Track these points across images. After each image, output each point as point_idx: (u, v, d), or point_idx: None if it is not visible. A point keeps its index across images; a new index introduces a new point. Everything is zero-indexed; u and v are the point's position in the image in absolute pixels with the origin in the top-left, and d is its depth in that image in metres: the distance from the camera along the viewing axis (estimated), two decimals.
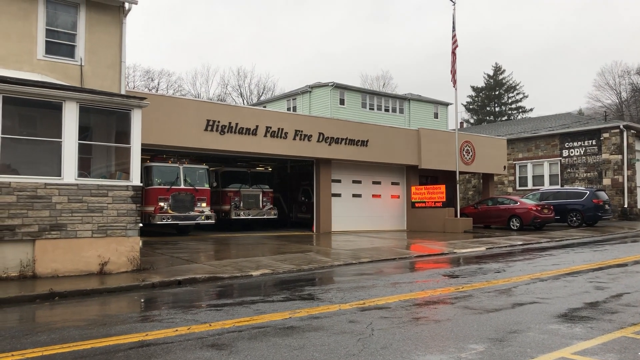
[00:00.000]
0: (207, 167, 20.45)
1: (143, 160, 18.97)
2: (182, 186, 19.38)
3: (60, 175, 10.64)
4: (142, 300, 9.01)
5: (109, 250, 11.10)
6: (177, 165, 19.51)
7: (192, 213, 19.36)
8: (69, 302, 8.71)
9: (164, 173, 19.25)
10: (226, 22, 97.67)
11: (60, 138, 10.66)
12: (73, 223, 10.71)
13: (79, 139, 10.90)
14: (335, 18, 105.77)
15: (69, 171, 10.69)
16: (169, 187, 19.03)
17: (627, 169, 30.74)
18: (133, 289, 9.72)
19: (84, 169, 11.72)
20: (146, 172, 18.78)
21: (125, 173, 11.66)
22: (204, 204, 19.81)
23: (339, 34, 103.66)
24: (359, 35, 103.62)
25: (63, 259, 10.60)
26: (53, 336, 6.39)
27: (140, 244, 11.15)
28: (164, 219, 18.56)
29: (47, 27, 13.34)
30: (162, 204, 18.76)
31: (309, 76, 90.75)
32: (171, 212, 18.82)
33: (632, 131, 31.75)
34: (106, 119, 12.92)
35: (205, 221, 19.66)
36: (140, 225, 18.47)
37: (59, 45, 13.57)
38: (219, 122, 18.93)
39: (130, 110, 11.52)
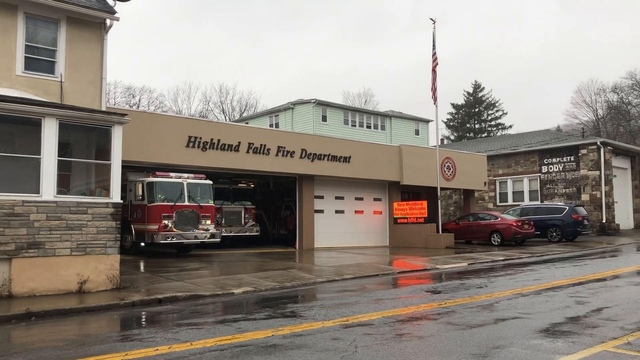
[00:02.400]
0: (211, 182, 19.32)
1: (145, 176, 18.26)
2: (186, 202, 18.29)
3: (38, 193, 10.47)
4: (122, 319, 8.85)
5: (88, 268, 10.91)
6: (180, 180, 18.44)
7: (196, 231, 18.32)
8: (47, 321, 8.53)
9: (167, 189, 18.14)
10: (214, 41, 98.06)
11: (39, 155, 10.50)
12: (51, 241, 10.52)
13: (59, 156, 10.76)
14: (324, 37, 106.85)
15: (48, 188, 10.53)
16: (172, 203, 17.93)
17: (605, 185, 31.24)
18: (113, 308, 9.56)
19: (64, 186, 11.55)
20: (148, 188, 17.97)
21: (106, 190, 11.51)
22: (208, 222, 18.77)
23: (327, 52, 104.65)
24: (345, 54, 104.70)
25: (41, 278, 10.39)
26: (30, 357, 6.24)
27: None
28: (168, 238, 17.50)
29: (27, 43, 13.21)
30: (166, 221, 17.63)
31: (294, 94, 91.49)
32: (176, 230, 17.73)
33: (609, 147, 32.34)
34: (86, 136, 12.79)
35: (211, 240, 18.79)
36: (137, 243, 18.16)
37: (39, 61, 13.44)
38: (200, 138, 18.85)
39: (111, 127, 11.42)
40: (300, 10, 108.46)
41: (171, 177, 18.33)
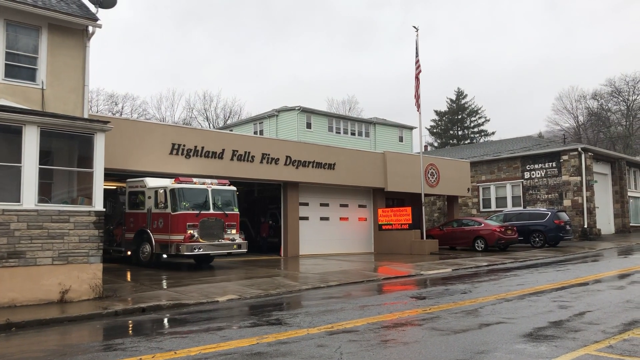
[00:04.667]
0: (235, 188, 18.26)
1: (169, 182, 17.07)
2: (212, 211, 17.03)
3: (19, 201, 10.33)
4: (105, 329, 8.75)
5: (71, 277, 10.78)
6: (204, 187, 17.19)
7: (222, 241, 17.03)
8: (27, 332, 8.40)
9: (191, 196, 16.84)
10: (201, 49, 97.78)
11: (20, 163, 10.38)
12: (32, 250, 10.37)
13: (40, 164, 10.63)
14: (312, 46, 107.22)
15: (29, 197, 10.39)
16: (198, 212, 16.66)
17: (586, 190, 31.65)
18: (95, 317, 9.44)
19: (45, 194, 11.41)
20: (172, 195, 16.61)
21: (88, 198, 11.40)
22: (233, 231, 17.54)
23: (314, 61, 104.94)
24: (332, 63, 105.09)
25: (21, 288, 10.23)
26: None
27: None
28: (194, 249, 16.24)
29: (7, 50, 13.05)
30: (191, 231, 16.34)
31: (280, 102, 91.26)
32: (202, 240, 16.45)
33: (590, 153, 32.80)
34: (68, 143, 12.66)
35: (237, 250, 17.55)
36: (159, 254, 16.94)
37: (20, 68, 13.28)
38: (184, 145, 18.77)
39: (93, 135, 11.33)
40: (289, 19, 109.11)
41: (195, 183, 17.13)
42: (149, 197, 17.45)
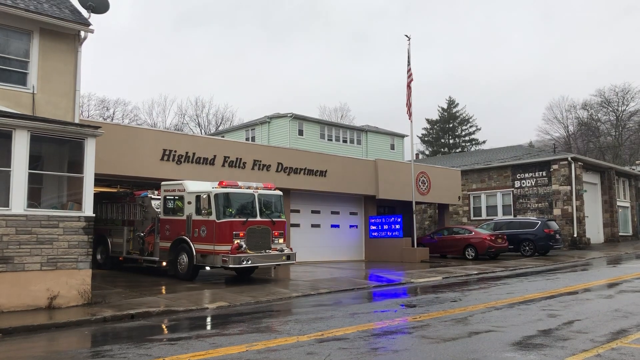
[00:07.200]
0: (281, 193, 16.80)
1: (211, 186, 15.74)
2: (259, 218, 15.45)
3: (8, 206, 10.25)
4: (93, 335, 8.68)
5: (59, 283, 10.69)
6: (251, 191, 15.63)
7: (270, 252, 15.46)
8: (14, 338, 8.31)
9: (237, 202, 15.37)
10: (195, 56, 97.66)
11: (9, 167, 10.31)
12: (20, 256, 10.28)
13: (30, 168, 10.57)
14: (308, 55, 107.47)
15: (18, 201, 10.31)
16: (245, 219, 15.08)
17: (576, 200, 31.86)
18: (83, 324, 9.37)
19: (34, 199, 11.32)
20: (217, 201, 15.01)
21: (78, 203, 11.33)
22: (281, 240, 15.99)
23: (310, 69, 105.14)
24: (327, 71, 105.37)
25: (9, 294, 10.13)
26: None
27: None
28: (243, 261, 14.53)
29: None
30: (238, 241, 14.70)
31: (274, 109, 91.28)
32: (250, 252, 14.85)
33: (580, 163, 33.05)
34: (59, 148, 12.59)
35: (286, 262, 16.03)
36: (200, 266, 15.32)
37: (10, 72, 13.20)
38: (175, 151, 18.71)
39: (84, 140, 11.28)
40: (287, 27, 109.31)
41: (240, 187, 15.62)
42: (189, 203, 15.78)
